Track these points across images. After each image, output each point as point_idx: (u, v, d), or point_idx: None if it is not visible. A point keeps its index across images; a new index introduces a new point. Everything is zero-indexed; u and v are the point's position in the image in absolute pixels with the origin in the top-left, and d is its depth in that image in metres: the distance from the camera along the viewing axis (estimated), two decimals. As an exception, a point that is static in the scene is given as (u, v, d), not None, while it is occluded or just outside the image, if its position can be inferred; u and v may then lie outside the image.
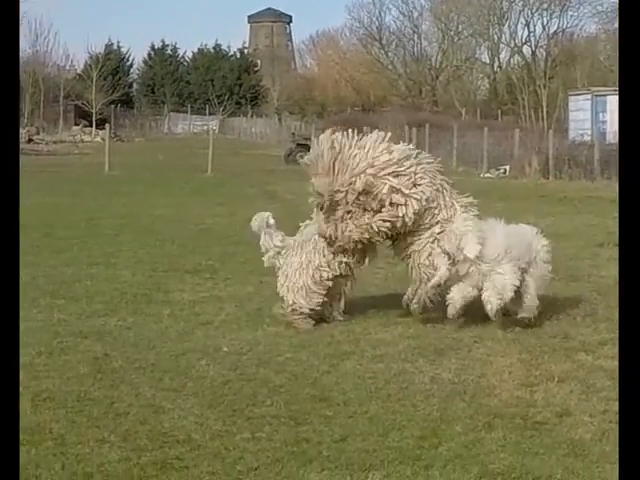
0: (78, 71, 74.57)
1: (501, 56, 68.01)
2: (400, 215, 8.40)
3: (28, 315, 8.66)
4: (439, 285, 8.48)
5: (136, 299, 9.76)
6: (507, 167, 31.07)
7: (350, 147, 8.53)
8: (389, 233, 8.58)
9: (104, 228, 15.83)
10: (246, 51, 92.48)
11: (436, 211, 8.59)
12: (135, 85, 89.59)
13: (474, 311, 8.46)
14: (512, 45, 66.59)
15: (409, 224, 8.46)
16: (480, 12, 65.53)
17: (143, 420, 5.99)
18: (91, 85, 64.93)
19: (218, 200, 21.21)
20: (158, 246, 13.69)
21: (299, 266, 8.70)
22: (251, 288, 10.34)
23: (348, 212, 8.47)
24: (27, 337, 7.73)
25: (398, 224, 8.45)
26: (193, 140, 60.89)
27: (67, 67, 73.72)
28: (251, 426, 5.90)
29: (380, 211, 8.43)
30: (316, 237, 8.73)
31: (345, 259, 8.70)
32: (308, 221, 9.01)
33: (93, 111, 63.00)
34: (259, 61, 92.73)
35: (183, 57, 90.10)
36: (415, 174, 8.50)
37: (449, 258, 8.35)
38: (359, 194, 8.38)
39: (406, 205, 8.41)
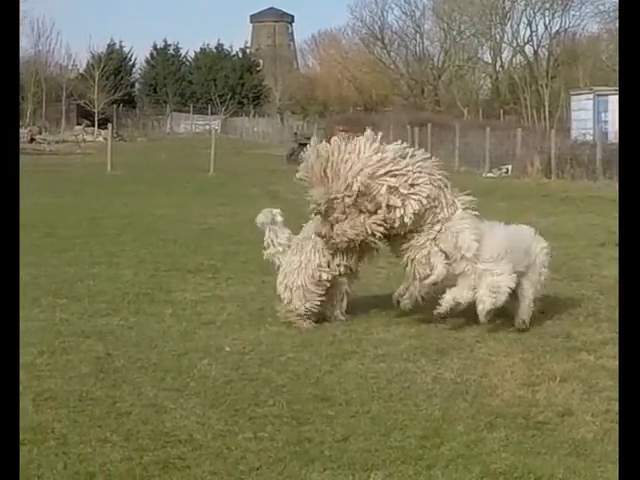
0: (80, 71, 74.57)
1: (503, 56, 68.10)
2: (398, 216, 8.29)
3: (30, 315, 8.67)
4: (435, 283, 8.46)
5: (138, 299, 9.76)
6: (509, 167, 31.04)
7: (340, 152, 8.41)
8: (386, 234, 8.45)
9: (106, 228, 15.82)
10: (248, 51, 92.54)
11: (437, 210, 8.47)
12: (137, 85, 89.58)
13: (475, 311, 8.44)
14: (514, 45, 66.56)
15: (409, 225, 8.36)
16: (482, 12, 65.50)
17: (145, 420, 5.99)
18: (93, 85, 64.82)
19: (220, 200, 21.20)
20: (160, 246, 13.69)
21: (298, 265, 8.65)
22: (253, 288, 10.34)
23: (343, 213, 8.38)
24: (29, 337, 7.73)
25: (397, 225, 8.35)
26: (195, 140, 60.82)
27: (69, 67, 73.80)
28: (253, 426, 5.90)
29: (376, 213, 8.34)
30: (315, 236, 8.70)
31: (345, 260, 8.62)
32: (311, 222, 8.99)
33: (95, 111, 62.90)
34: (261, 61, 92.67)
35: (185, 57, 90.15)
36: (412, 173, 8.37)
37: (446, 257, 8.34)
38: (357, 196, 8.29)
39: (404, 206, 8.28)
